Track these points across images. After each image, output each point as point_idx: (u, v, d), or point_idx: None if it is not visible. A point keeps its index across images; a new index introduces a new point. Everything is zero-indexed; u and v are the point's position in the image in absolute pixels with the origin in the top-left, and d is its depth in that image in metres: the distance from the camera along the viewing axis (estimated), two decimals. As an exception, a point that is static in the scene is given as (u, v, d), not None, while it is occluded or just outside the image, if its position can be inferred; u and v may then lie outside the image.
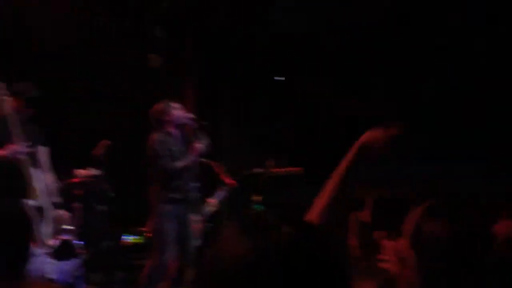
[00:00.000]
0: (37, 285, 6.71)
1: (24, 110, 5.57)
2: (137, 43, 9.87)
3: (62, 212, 7.10)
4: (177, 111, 6.35)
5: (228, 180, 7.67)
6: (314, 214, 2.18)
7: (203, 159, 6.83)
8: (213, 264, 1.23)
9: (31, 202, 5.37)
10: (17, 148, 5.17)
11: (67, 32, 9.44)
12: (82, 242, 7.67)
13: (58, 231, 7.11)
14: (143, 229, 8.73)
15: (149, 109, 6.39)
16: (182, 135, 6.39)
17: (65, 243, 7.34)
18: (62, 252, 7.23)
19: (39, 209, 5.45)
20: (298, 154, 9.15)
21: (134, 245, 8.93)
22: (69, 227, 7.75)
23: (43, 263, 6.86)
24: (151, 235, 6.54)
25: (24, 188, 5.33)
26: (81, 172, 8.14)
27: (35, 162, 5.52)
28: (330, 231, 1.98)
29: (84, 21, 9.43)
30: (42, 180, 5.55)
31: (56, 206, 5.78)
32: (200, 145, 6.21)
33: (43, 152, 5.80)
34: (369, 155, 2.27)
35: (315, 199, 2.22)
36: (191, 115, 6.53)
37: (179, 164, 6.04)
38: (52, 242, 6.28)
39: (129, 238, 8.98)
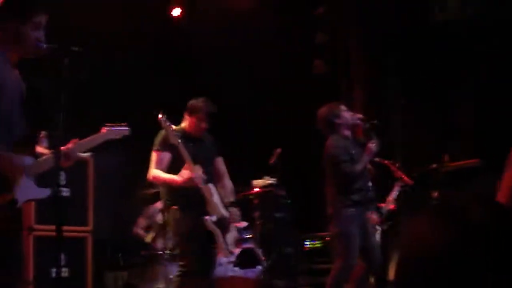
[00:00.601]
0: (234, 279, 6.97)
1: (202, 126, 5.77)
2: (301, 49, 9.95)
3: (242, 222, 7.31)
4: (346, 113, 6.32)
5: (404, 177, 7.52)
6: (502, 195, 2.08)
7: (376, 159, 6.76)
8: (411, 253, 1.20)
9: (212, 217, 5.56)
10: (192, 174, 5.35)
11: (232, 42, 9.71)
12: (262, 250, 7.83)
13: (239, 240, 7.32)
14: (322, 233, 8.78)
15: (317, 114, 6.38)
16: (353, 136, 6.37)
17: (247, 251, 7.54)
18: (245, 260, 7.43)
19: (219, 221, 5.63)
20: (474, 145, 8.79)
21: (314, 250, 8.98)
22: (250, 235, 7.96)
23: (228, 271, 7.11)
24: (332, 239, 6.53)
25: (203, 205, 5.53)
26: (258, 182, 8.33)
27: (210, 178, 5.71)
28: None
29: (251, 29, 9.64)
30: (217, 193, 5.72)
31: (236, 215, 5.94)
32: (373, 145, 6.14)
33: (220, 162, 5.99)
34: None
35: (500, 182, 2.12)
36: (361, 115, 6.48)
37: (359, 167, 6.01)
38: (235, 251, 6.48)
39: (310, 243, 9.04)
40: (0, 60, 3.64)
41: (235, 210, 5.96)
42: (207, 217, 5.52)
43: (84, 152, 4.45)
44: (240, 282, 7.16)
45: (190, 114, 5.78)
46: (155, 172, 5.54)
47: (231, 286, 7.01)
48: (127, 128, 4.34)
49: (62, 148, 3.80)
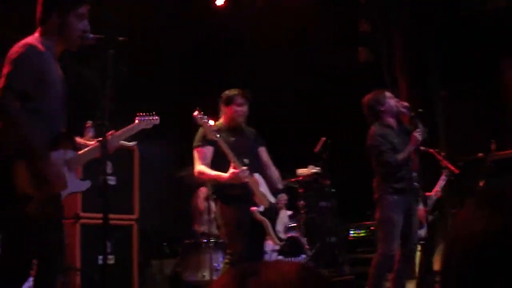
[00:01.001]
0: (279, 263, 6.97)
1: (240, 113, 5.78)
2: (346, 37, 9.90)
3: (287, 210, 7.31)
4: (391, 100, 6.24)
5: (450, 166, 7.42)
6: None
7: (422, 147, 6.68)
8: (458, 242, 1.18)
9: (259, 208, 5.58)
10: (237, 171, 5.35)
11: (277, 31, 9.71)
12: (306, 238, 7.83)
13: (285, 229, 7.34)
14: (367, 223, 8.74)
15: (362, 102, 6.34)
16: (399, 124, 6.29)
17: (292, 239, 7.55)
18: (290, 249, 7.44)
19: (267, 210, 5.64)
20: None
21: (359, 239, 8.94)
22: (294, 224, 7.97)
23: (272, 259, 7.13)
24: (376, 227, 6.50)
25: (250, 197, 5.55)
26: (303, 170, 8.32)
27: (255, 168, 5.72)
28: None
29: (295, 18, 9.63)
30: (263, 182, 5.73)
31: (281, 204, 5.93)
32: (418, 134, 6.06)
33: (263, 151, 5.99)
34: None
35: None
36: (406, 103, 6.40)
37: (401, 156, 5.94)
38: (280, 239, 6.49)
39: (354, 233, 9.01)
40: (47, 56, 3.67)
41: (283, 196, 5.95)
42: (254, 208, 5.53)
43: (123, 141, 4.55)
44: (286, 266, 7.15)
45: (227, 105, 5.78)
46: (200, 167, 5.56)
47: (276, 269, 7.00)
48: (157, 117, 4.52)
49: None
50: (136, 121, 4.41)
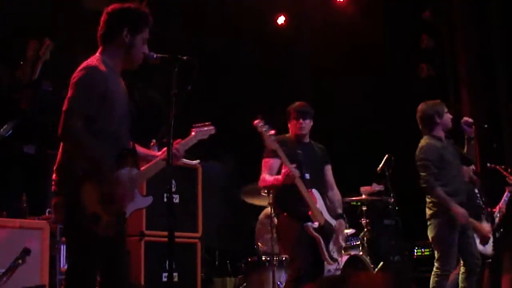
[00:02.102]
0: (369, 273, 6.90)
1: (299, 126, 5.79)
2: (407, 53, 9.82)
3: (347, 228, 7.24)
4: (448, 115, 6.20)
5: (516, 182, 7.24)
6: None
7: (489, 164, 6.57)
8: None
9: (314, 224, 5.53)
10: (287, 169, 5.32)
11: (338, 47, 9.70)
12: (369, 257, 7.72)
13: (346, 247, 7.26)
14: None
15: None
16: (447, 137, 6.23)
17: (354, 258, 7.45)
18: (352, 267, 7.35)
19: (322, 228, 5.58)
20: None
21: (424, 258, 8.78)
22: (357, 242, 7.88)
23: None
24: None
25: (307, 211, 5.51)
26: (366, 188, 8.23)
27: (318, 184, 5.69)
28: None
29: (356, 34, 9.62)
30: (321, 200, 5.69)
31: (340, 218, 5.88)
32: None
33: (328, 170, 5.97)
34: None
35: None
36: (470, 120, 6.30)
37: (438, 189, 5.88)
38: (341, 257, 6.41)
39: (418, 251, 8.86)
40: (108, 74, 3.74)
41: (342, 222, 5.89)
42: (308, 224, 5.50)
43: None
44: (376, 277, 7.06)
45: (291, 118, 5.85)
46: (263, 176, 5.60)
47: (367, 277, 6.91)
48: (212, 127, 4.44)
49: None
50: (193, 133, 4.36)
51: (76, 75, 3.66)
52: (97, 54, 3.83)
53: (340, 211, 5.89)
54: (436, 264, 5.96)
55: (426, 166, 5.95)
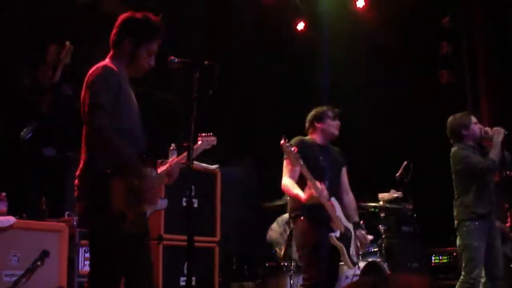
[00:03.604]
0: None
1: (334, 128, 5.77)
2: (427, 59, 9.79)
3: (366, 234, 7.21)
4: (476, 126, 6.18)
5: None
6: None
7: (508, 172, 6.52)
8: None
9: (336, 233, 5.51)
10: (314, 193, 5.27)
11: (357, 54, 9.69)
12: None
13: (364, 253, 7.23)
14: (450, 249, 8.53)
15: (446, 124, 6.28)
16: (479, 147, 6.22)
17: (372, 264, 7.43)
18: (370, 273, 7.33)
19: (343, 236, 5.56)
20: None
21: (442, 265, 8.74)
22: (375, 249, 7.85)
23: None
24: (459, 253, 6.36)
25: (328, 221, 5.49)
26: (384, 195, 8.21)
27: (336, 190, 5.66)
28: None
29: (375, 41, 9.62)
30: (339, 207, 5.65)
31: (359, 228, 5.84)
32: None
33: (344, 172, 5.93)
34: None
35: None
36: (494, 130, 6.28)
37: (490, 160, 5.90)
38: (359, 263, 6.39)
39: (436, 259, 8.82)
40: (122, 77, 3.75)
41: (362, 232, 5.85)
42: (332, 234, 5.48)
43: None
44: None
45: (319, 121, 5.72)
46: (286, 181, 5.49)
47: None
48: (214, 138, 4.57)
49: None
50: (199, 141, 4.45)
51: (91, 73, 3.65)
52: (107, 58, 3.84)
53: (356, 219, 5.84)
54: (463, 272, 5.95)
55: (469, 167, 5.99)
